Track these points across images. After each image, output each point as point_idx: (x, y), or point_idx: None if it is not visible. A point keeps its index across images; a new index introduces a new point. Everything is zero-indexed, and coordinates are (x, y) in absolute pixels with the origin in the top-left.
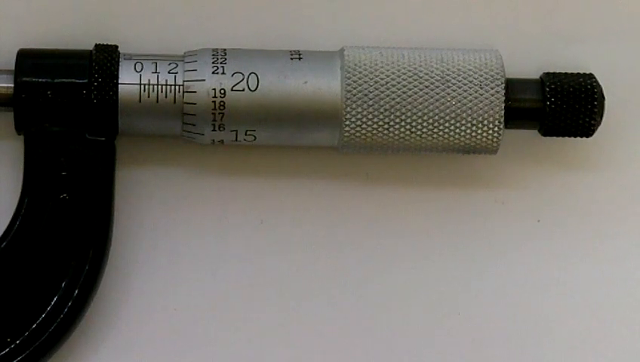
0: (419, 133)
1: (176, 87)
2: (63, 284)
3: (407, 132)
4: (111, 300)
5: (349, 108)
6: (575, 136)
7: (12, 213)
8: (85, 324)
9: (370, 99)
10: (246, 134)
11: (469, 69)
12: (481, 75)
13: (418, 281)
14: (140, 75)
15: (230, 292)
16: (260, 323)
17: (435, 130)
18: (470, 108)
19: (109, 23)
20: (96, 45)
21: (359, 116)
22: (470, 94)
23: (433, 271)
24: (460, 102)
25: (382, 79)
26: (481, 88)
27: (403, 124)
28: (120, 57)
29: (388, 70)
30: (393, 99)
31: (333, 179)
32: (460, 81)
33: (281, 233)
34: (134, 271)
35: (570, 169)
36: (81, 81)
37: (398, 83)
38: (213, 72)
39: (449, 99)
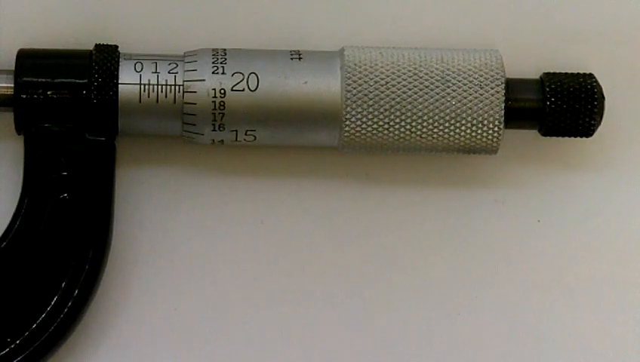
0: (419, 133)
1: (176, 87)
2: (63, 284)
3: (407, 132)
4: (111, 300)
5: (349, 108)
6: (575, 136)
7: (12, 213)
8: (85, 324)
9: (370, 99)
10: (246, 134)
11: (469, 69)
12: (481, 75)
13: (418, 281)
14: (140, 75)
15: (230, 292)
16: (260, 323)
17: (435, 130)
18: (470, 108)
19: (109, 23)
20: (96, 45)
21: (359, 116)
22: (470, 94)
23: (433, 271)
24: (459, 102)
25: (382, 79)
26: (481, 88)
27: (403, 124)
28: (120, 57)
29: (388, 70)
30: (393, 99)
31: (333, 179)
32: (460, 81)
33: (281, 233)
34: (134, 271)
35: (570, 169)
36: (81, 81)
37: (398, 83)
38: (213, 72)
39: (449, 99)
